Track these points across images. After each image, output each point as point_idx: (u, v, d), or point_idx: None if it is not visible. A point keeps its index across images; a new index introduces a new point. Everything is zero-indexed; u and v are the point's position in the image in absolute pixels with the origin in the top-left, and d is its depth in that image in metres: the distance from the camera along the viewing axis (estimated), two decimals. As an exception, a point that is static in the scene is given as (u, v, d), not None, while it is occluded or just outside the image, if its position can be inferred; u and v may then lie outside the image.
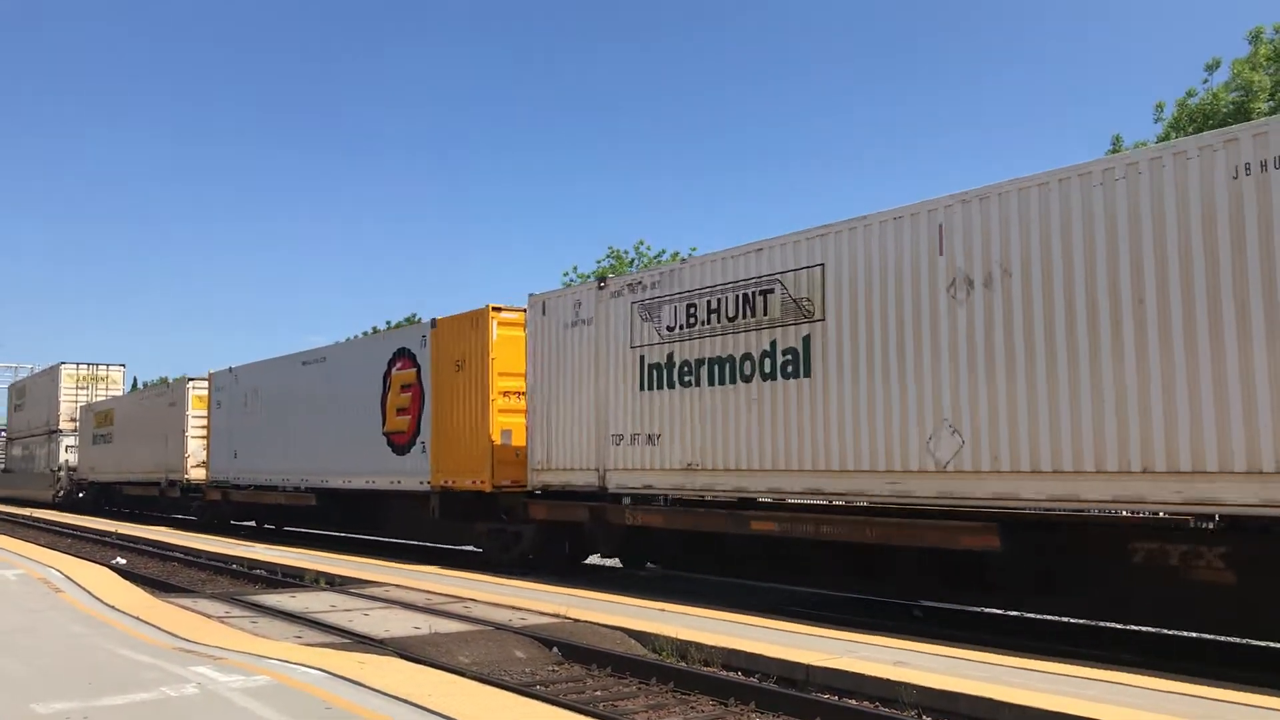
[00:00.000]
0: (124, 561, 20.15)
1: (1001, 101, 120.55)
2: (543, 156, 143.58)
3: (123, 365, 49.01)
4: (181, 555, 21.29)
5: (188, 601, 13.32)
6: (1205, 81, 28.39)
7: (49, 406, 46.66)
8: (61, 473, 43.47)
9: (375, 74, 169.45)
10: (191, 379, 32.06)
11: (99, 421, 39.32)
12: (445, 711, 6.78)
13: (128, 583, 14.86)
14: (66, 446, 43.69)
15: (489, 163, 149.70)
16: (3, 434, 58.69)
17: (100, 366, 47.64)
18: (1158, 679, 7.96)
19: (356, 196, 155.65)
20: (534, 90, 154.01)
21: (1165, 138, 28.71)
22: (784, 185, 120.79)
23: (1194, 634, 10.49)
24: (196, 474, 30.45)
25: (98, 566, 17.14)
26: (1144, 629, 11.21)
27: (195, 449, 30.74)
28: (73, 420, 44.09)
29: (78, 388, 45.98)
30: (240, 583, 17.15)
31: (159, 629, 10.34)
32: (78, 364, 46.78)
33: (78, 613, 11.49)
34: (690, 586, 14.89)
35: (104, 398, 44.15)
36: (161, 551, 22.39)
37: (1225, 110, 25.80)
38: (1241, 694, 7.52)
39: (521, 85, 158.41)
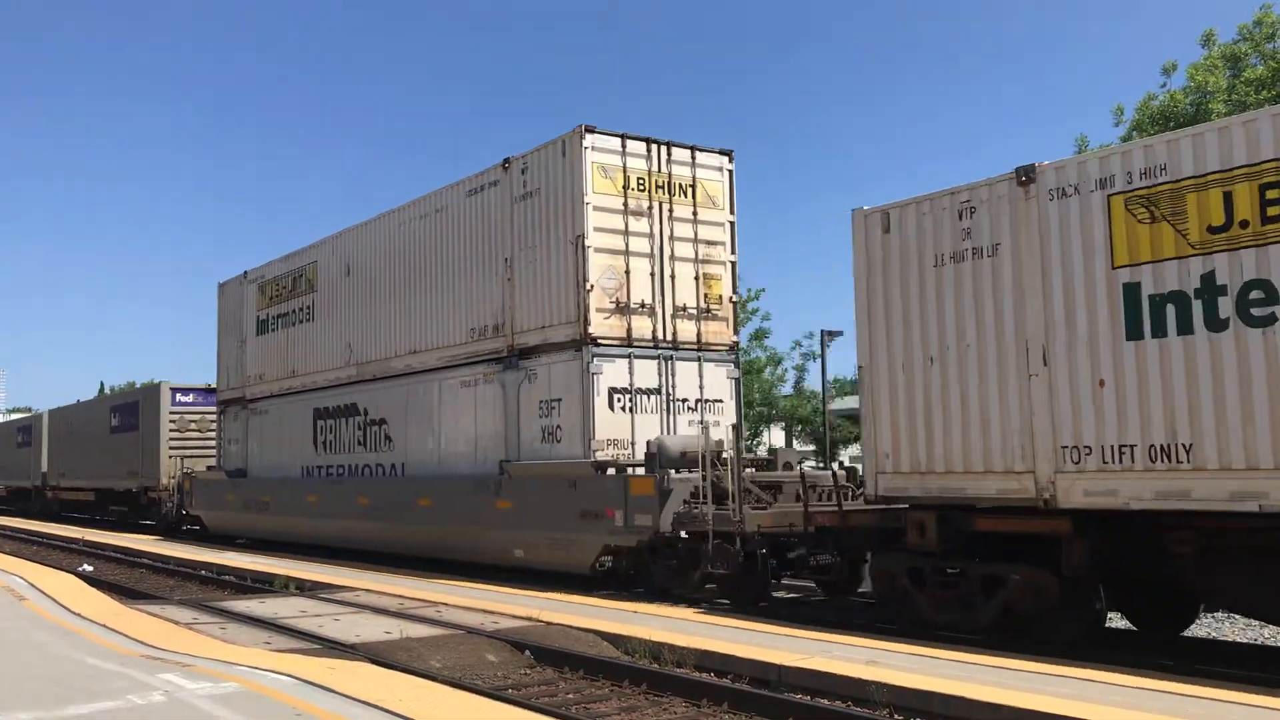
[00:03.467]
0: (90, 568, 19.90)
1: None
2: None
3: (728, 152, 16.37)
4: (149, 562, 21.07)
5: (155, 608, 13.17)
6: (1163, 85, 28.94)
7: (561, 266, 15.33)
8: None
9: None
10: None
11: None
12: (416, 716, 6.75)
13: (94, 590, 14.69)
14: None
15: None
16: (196, 401, 30.07)
17: (677, 149, 15.89)
18: (1132, 676, 8.01)
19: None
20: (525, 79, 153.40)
21: (1128, 139, 29.22)
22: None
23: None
24: None
25: (64, 574, 16.93)
26: (1118, 627, 11.29)
27: None
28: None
29: (626, 195, 15.21)
30: (209, 589, 16.99)
31: (126, 636, 10.22)
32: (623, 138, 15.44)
33: (43, 621, 11.34)
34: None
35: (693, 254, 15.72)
36: (129, 558, 22.14)
37: (1184, 113, 26.16)
38: (1215, 690, 7.58)
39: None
